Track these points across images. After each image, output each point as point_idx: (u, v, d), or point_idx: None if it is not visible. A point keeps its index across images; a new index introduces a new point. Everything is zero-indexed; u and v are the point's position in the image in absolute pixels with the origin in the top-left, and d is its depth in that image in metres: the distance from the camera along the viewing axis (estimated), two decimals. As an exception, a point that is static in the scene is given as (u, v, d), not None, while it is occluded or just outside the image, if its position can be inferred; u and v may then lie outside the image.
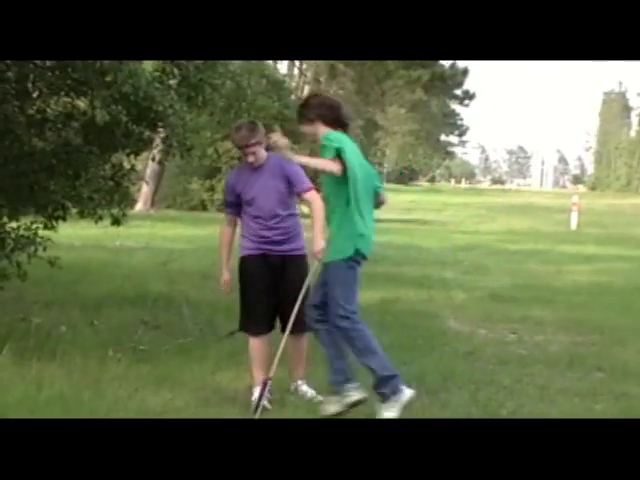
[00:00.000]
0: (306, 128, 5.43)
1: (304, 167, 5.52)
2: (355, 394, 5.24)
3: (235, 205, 5.91)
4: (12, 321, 7.44)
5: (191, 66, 7.76)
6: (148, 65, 7.35)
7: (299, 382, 5.91)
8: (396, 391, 5.14)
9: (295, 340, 5.70)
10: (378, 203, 5.51)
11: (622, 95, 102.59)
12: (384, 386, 5.15)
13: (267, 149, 5.74)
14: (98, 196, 8.05)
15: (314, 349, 5.88)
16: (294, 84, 38.90)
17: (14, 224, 7.98)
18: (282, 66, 38.32)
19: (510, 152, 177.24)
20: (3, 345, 6.14)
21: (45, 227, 8.04)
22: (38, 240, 7.93)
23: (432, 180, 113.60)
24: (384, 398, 5.15)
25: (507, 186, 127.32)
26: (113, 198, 8.18)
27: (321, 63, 39.59)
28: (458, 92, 56.42)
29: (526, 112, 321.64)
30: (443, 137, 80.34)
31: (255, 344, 5.83)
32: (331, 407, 5.27)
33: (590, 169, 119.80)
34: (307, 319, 5.41)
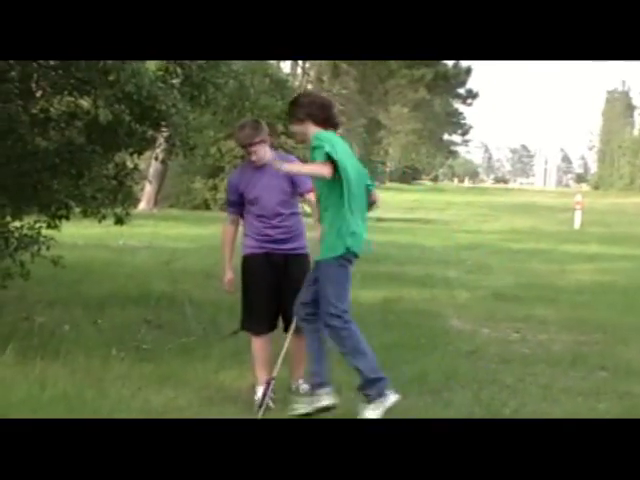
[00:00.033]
0: (296, 127, 5.39)
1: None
2: (326, 399, 5.19)
3: (238, 204, 5.92)
4: (15, 320, 7.46)
5: (194, 65, 7.76)
6: (151, 64, 7.36)
7: (300, 381, 5.91)
8: (382, 394, 5.08)
9: (298, 339, 5.70)
10: (370, 203, 5.50)
11: (625, 94, 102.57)
12: (370, 388, 5.10)
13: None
14: (101, 195, 8.06)
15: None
16: (297, 83, 38.89)
17: (17, 223, 8.00)
18: (285, 65, 38.33)
19: (513, 151, 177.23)
20: (6, 344, 6.16)
21: (48, 226, 8.06)
22: (41, 239, 7.94)
23: (435, 179, 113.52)
24: (369, 399, 5.09)
25: (510, 185, 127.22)
26: (116, 197, 8.19)
27: (324, 62, 39.61)
28: (461, 91, 56.44)
29: (529, 111, 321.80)
30: (446, 136, 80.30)
31: (257, 343, 5.83)
32: (301, 408, 5.23)
33: (593, 168, 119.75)
34: (296, 317, 5.40)
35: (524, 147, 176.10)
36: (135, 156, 8.30)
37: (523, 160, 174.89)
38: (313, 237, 5.48)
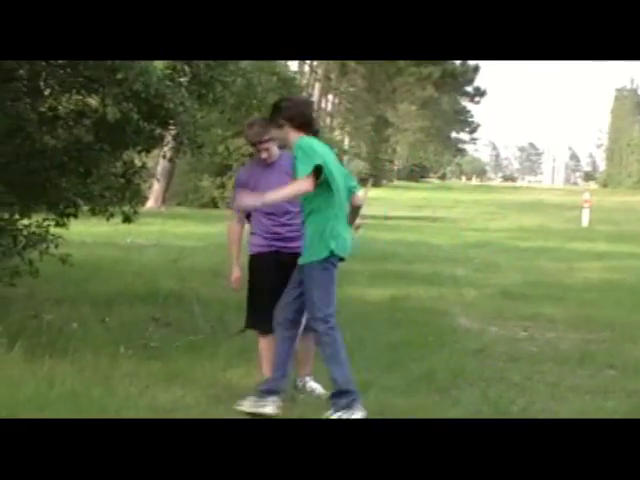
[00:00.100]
0: (275, 133, 5.40)
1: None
2: (270, 409, 5.17)
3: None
4: (24, 318, 7.47)
5: (202, 64, 7.76)
6: (159, 63, 7.36)
7: (307, 378, 5.92)
8: (351, 405, 5.02)
9: (304, 339, 5.70)
10: (355, 208, 5.51)
11: (634, 92, 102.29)
12: (341, 398, 5.06)
13: (280, 147, 5.74)
14: (109, 193, 8.08)
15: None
16: (305, 81, 38.90)
17: (26, 221, 8.02)
18: (293, 63, 38.34)
19: (521, 149, 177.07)
20: (15, 342, 6.17)
21: (56, 224, 8.08)
22: (50, 237, 7.96)
23: (443, 177, 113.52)
24: (336, 409, 5.04)
25: (518, 183, 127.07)
26: (124, 195, 8.21)
27: (332, 61, 39.61)
28: (469, 89, 56.45)
29: (537, 109, 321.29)
30: (454, 134, 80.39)
31: (264, 342, 5.83)
32: (245, 405, 5.22)
33: (602, 166, 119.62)
34: (274, 321, 5.35)
35: (532, 145, 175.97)
36: (143, 154, 8.32)
37: (531, 158, 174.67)
38: None
